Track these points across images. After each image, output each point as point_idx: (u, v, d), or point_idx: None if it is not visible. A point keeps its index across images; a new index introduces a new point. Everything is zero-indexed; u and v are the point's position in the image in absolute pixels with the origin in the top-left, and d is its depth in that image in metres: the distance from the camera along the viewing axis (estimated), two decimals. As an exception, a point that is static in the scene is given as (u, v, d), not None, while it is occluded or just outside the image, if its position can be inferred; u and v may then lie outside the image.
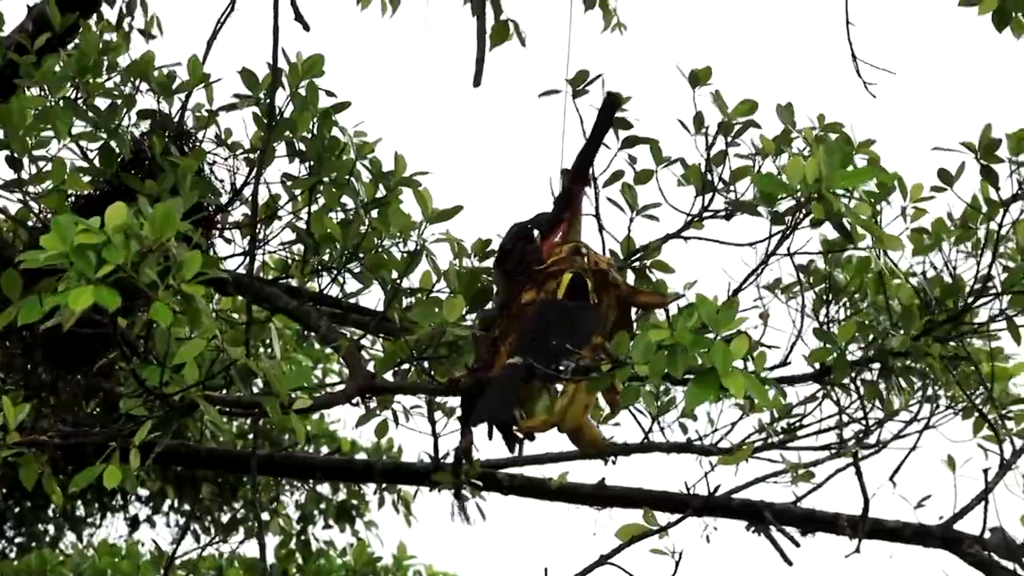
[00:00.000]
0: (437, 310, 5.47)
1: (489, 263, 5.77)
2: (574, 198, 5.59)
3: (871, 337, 6.05)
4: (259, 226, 5.89)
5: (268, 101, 5.61)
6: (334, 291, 6.10)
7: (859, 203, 5.08)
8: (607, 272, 5.38)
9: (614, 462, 6.00)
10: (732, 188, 5.87)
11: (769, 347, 5.91)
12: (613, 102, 5.66)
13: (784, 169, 4.99)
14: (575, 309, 5.32)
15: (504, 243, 5.54)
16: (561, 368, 5.09)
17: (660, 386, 5.96)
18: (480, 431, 5.43)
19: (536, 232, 5.50)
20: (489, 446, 5.49)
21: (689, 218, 5.92)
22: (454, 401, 5.93)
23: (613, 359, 4.80)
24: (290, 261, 6.20)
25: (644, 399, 5.96)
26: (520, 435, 5.34)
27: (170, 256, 4.27)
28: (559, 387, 5.40)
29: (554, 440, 5.56)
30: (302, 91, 5.76)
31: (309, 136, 5.82)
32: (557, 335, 5.14)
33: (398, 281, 5.83)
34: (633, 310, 5.54)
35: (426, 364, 5.74)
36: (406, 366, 5.86)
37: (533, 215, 5.57)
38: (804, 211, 5.07)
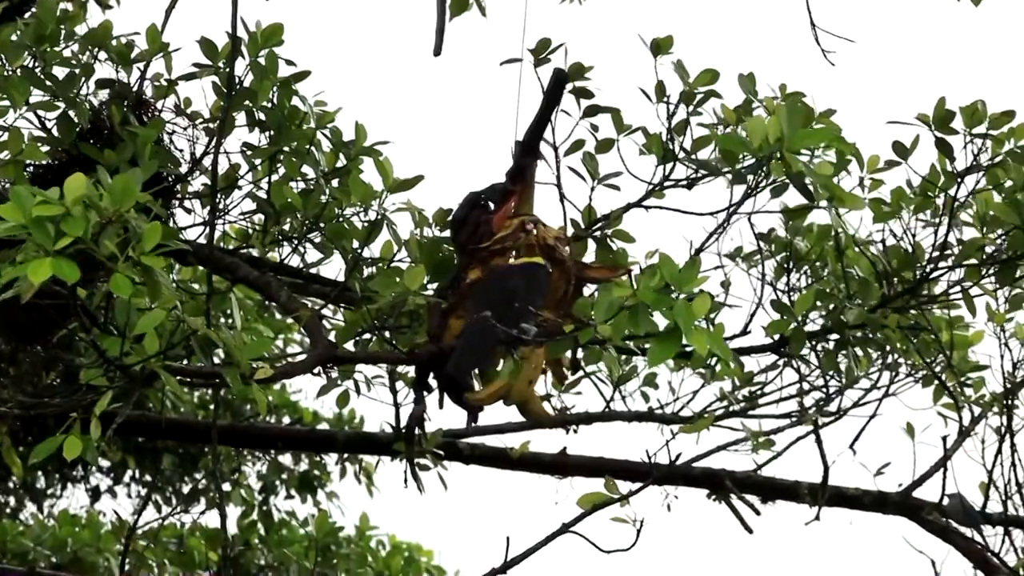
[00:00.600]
0: (398, 280, 5.47)
1: (449, 233, 5.76)
2: (525, 171, 5.59)
3: (831, 307, 6.08)
4: (219, 196, 5.86)
5: (227, 70, 5.58)
6: (295, 261, 6.09)
7: (820, 163, 5.09)
8: (555, 247, 5.39)
9: (575, 431, 6.01)
10: (694, 157, 5.87)
11: (731, 307, 5.94)
12: (561, 78, 5.67)
13: (746, 127, 4.99)
14: (533, 270, 5.32)
15: (457, 213, 5.54)
16: (524, 331, 5.09)
17: (622, 348, 5.97)
18: (431, 399, 5.43)
19: (489, 203, 5.50)
20: (449, 416, 5.50)
21: (651, 187, 5.92)
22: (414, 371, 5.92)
23: (576, 319, 4.81)
24: (250, 231, 6.18)
25: (606, 361, 5.98)
26: (468, 407, 5.33)
27: (129, 227, 4.25)
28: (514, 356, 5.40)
29: (515, 410, 5.57)
30: (262, 60, 5.72)
31: (269, 105, 5.79)
32: (518, 297, 5.14)
33: (359, 251, 5.81)
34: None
35: (387, 334, 5.73)
36: (367, 336, 5.86)
37: (486, 186, 5.57)
38: (765, 170, 5.07)
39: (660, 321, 4.47)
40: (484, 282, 5.35)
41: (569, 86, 5.76)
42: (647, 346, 4.51)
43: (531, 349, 5.27)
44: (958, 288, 6.06)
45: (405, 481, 5.85)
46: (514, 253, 5.45)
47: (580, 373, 6.00)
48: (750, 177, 5.25)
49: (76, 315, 4.68)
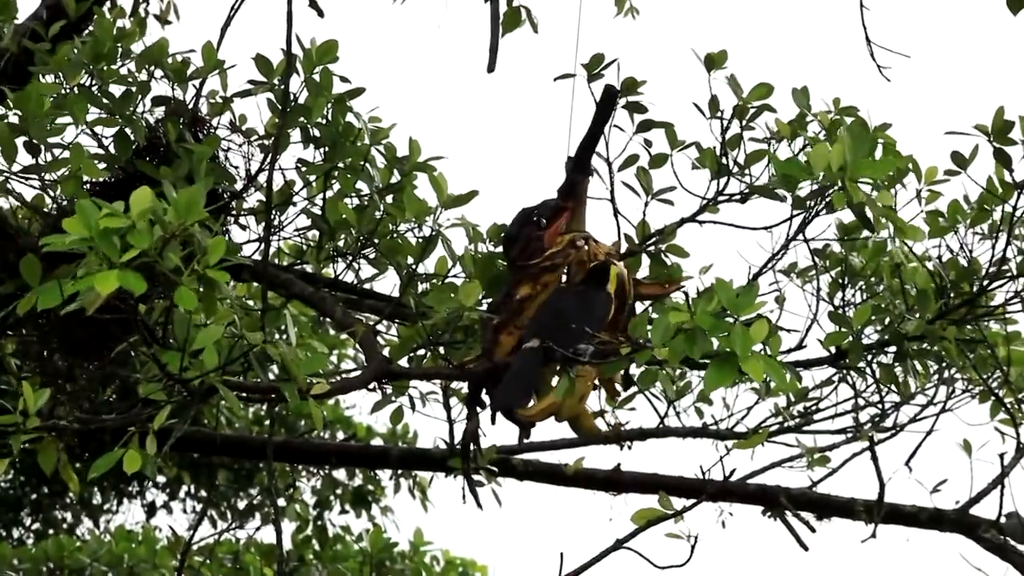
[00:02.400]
0: (453, 295, 5.48)
1: (502, 248, 5.77)
2: (576, 187, 5.59)
3: (887, 320, 6.05)
4: (274, 212, 5.90)
5: (282, 87, 5.61)
6: (349, 277, 6.11)
7: (881, 191, 5.08)
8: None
9: (630, 447, 6.01)
10: (747, 172, 5.86)
11: (788, 331, 5.92)
12: (611, 94, 5.65)
13: (808, 154, 4.97)
14: (590, 293, 5.33)
15: (509, 230, 5.55)
16: (579, 351, 5.09)
17: (677, 370, 5.97)
18: (484, 415, 5.44)
19: (541, 220, 5.50)
20: (502, 432, 5.50)
21: (704, 202, 5.91)
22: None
23: (632, 342, 4.80)
24: (305, 247, 6.21)
25: (662, 382, 5.97)
26: (520, 423, 5.35)
27: (193, 242, 4.28)
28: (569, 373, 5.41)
29: (568, 427, 5.57)
30: (316, 77, 5.75)
31: (323, 122, 5.81)
32: (573, 318, 5.15)
33: (413, 266, 5.83)
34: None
35: (442, 350, 5.74)
36: (422, 352, 5.87)
37: (539, 202, 5.57)
38: (825, 197, 5.06)
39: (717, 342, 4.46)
40: (542, 303, 5.36)
41: (622, 101, 5.77)
42: (704, 361, 4.49)
43: (584, 367, 5.27)
44: (1017, 300, 6.02)
45: (464, 498, 5.85)
46: (566, 270, 5.46)
47: (633, 389, 6.00)
48: (809, 202, 5.24)
49: (137, 329, 4.71)
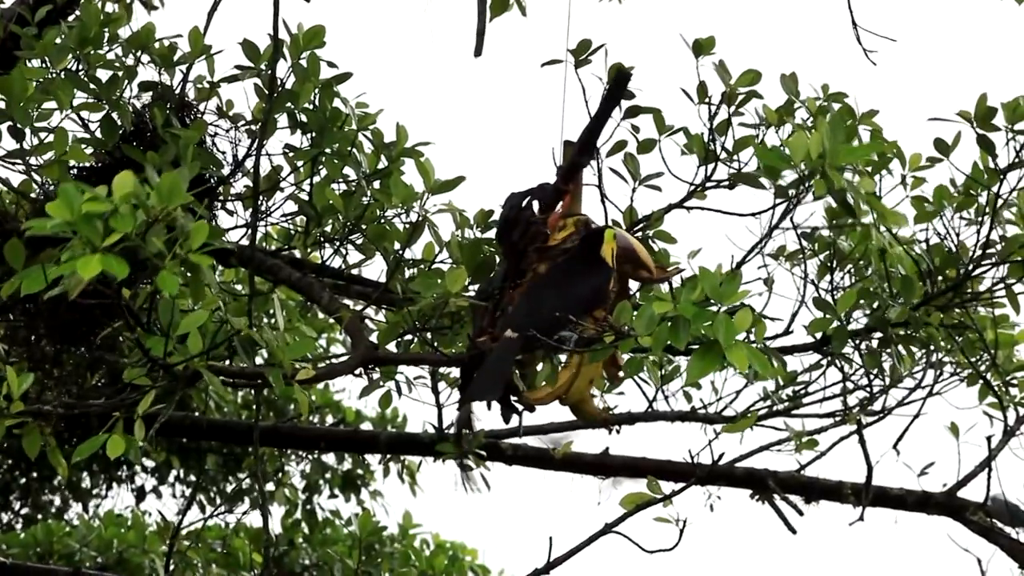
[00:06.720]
0: (439, 281, 5.48)
1: (491, 234, 5.77)
2: (579, 170, 5.57)
3: (875, 304, 6.05)
4: (261, 198, 5.89)
5: (269, 72, 5.60)
6: (336, 262, 6.11)
7: (863, 178, 5.08)
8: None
9: (618, 431, 6.01)
10: (735, 158, 5.86)
11: (772, 319, 5.92)
12: (623, 76, 5.62)
13: (787, 143, 4.97)
14: (577, 271, 5.30)
15: (507, 213, 5.52)
16: (563, 339, 5.08)
17: (663, 357, 5.97)
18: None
19: (536, 203, 5.49)
20: (492, 417, 5.50)
21: (692, 188, 5.91)
22: (457, 371, 5.93)
23: (616, 330, 4.80)
24: (292, 232, 6.20)
25: (648, 370, 5.97)
26: (521, 406, 5.35)
27: (176, 226, 4.27)
28: (563, 357, 5.41)
29: (558, 410, 5.57)
30: (303, 62, 5.75)
31: (311, 107, 5.81)
32: (556, 304, 5.12)
33: (400, 252, 5.83)
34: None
35: (429, 335, 5.74)
36: (409, 337, 5.87)
37: (534, 185, 5.55)
38: (807, 185, 5.06)
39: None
40: (525, 289, 5.34)
41: (609, 86, 5.74)
42: (692, 347, 4.49)
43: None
44: (1001, 286, 6.02)
45: (456, 484, 5.85)
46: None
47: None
48: (791, 191, 5.25)
49: (121, 314, 4.70)
